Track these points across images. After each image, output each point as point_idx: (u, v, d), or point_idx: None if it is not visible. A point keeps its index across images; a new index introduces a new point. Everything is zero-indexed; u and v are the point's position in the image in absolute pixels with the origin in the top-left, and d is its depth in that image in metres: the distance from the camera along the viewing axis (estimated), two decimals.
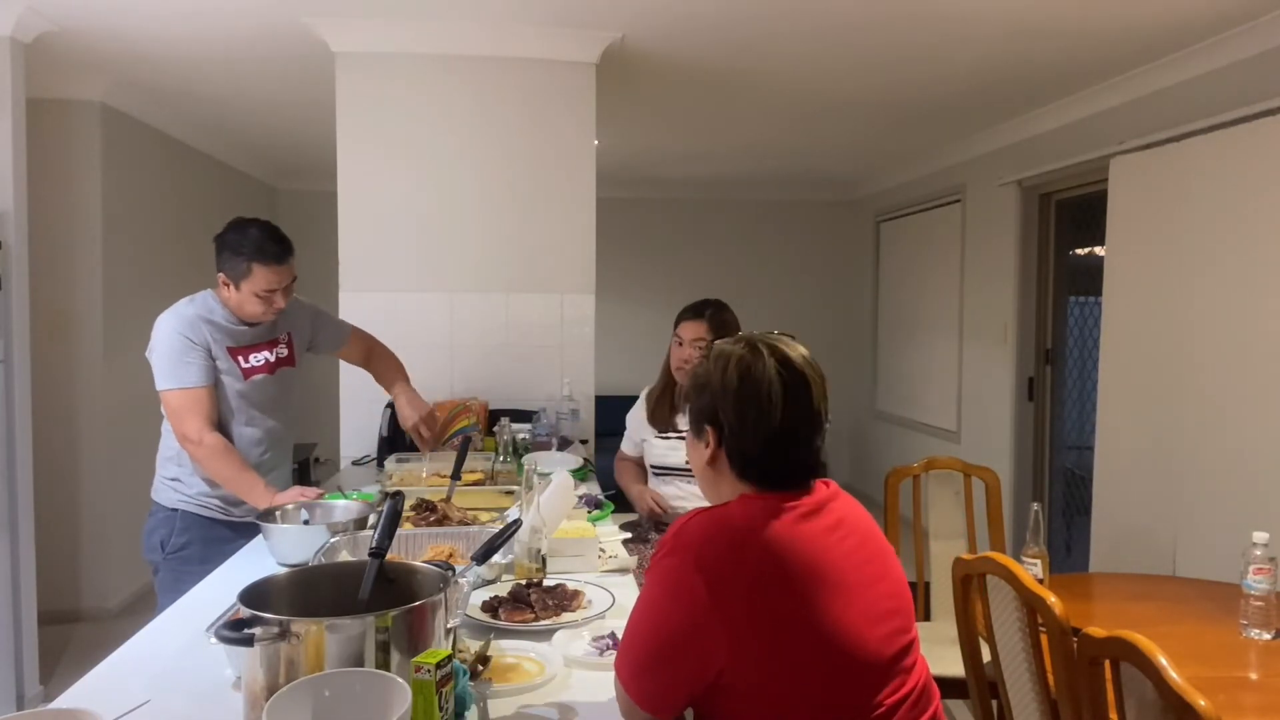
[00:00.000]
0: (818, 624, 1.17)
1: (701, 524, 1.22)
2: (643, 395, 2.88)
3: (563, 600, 1.67)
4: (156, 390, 2.26)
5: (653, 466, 2.80)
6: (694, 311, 2.71)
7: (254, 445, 2.38)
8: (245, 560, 1.99)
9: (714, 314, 2.69)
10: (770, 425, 1.27)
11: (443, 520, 2.11)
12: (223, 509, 2.35)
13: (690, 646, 1.16)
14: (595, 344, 3.63)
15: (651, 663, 1.20)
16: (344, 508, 2.07)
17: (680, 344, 2.69)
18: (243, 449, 2.32)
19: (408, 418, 2.65)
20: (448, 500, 2.30)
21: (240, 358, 2.35)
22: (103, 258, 4.15)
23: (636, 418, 2.87)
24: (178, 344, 2.23)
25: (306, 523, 2.00)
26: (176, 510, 2.34)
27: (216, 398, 2.29)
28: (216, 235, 2.30)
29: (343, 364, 3.43)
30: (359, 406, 3.39)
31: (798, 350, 1.33)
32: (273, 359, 2.42)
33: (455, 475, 2.47)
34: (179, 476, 2.34)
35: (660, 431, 2.77)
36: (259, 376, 2.39)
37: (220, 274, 2.28)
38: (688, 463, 2.64)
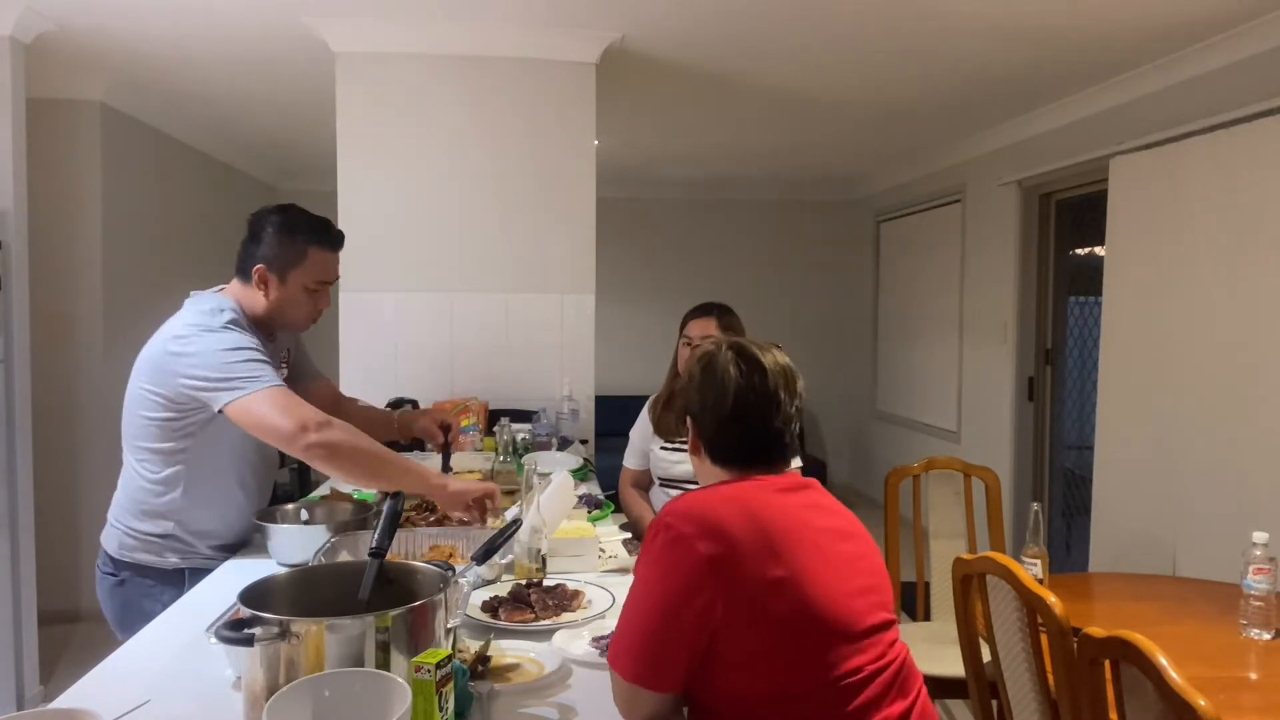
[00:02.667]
0: (800, 583, 1.24)
1: (689, 502, 1.30)
2: (645, 407, 2.85)
3: (563, 600, 1.67)
4: (223, 408, 1.77)
5: (660, 479, 2.77)
6: (702, 310, 2.70)
7: (247, 462, 2.03)
8: (245, 560, 1.98)
9: (721, 313, 2.68)
10: (724, 406, 1.41)
11: (442, 520, 2.11)
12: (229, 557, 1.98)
13: (690, 608, 1.21)
14: (595, 344, 3.63)
15: (653, 635, 1.23)
16: (343, 508, 2.06)
17: (689, 344, 2.65)
18: (239, 461, 1.99)
19: (429, 421, 2.32)
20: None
21: None
22: (103, 258, 4.15)
23: (641, 430, 2.83)
24: (245, 352, 1.80)
25: (306, 523, 2.00)
26: (183, 571, 1.94)
27: None
28: (253, 216, 1.95)
29: (342, 363, 3.44)
30: None
31: (769, 353, 1.46)
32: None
33: (445, 468, 2.39)
34: (173, 533, 1.93)
35: (667, 440, 2.73)
36: None
37: (259, 267, 1.91)
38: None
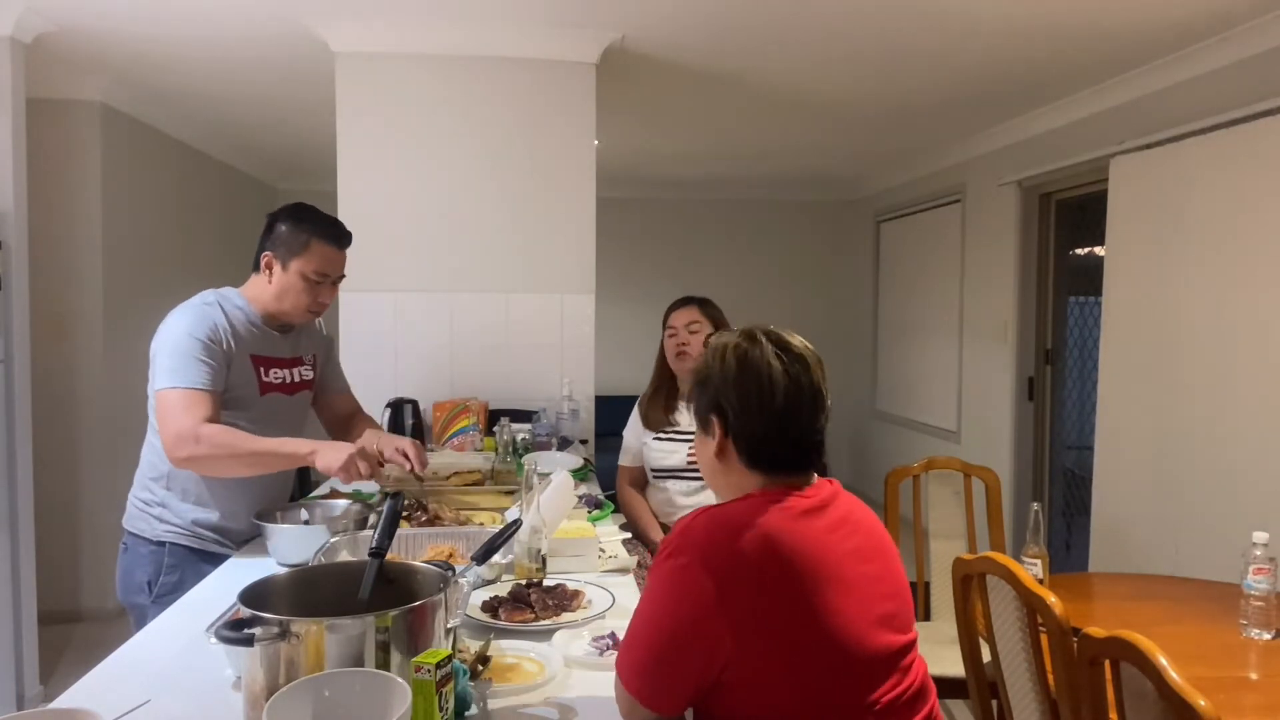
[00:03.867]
0: (819, 620, 1.18)
1: (706, 523, 1.23)
2: (636, 405, 2.89)
3: (563, 600, 1.67)
4: (152, 393, 1.96)
5: (652, 470, 2.80)
6: (682, 301, 2.80)
7: None
8: (245, 560, 1.99)
9: (702, 303, 2.78)
10: (773, 405, 1.29)
11: (433, 521, 2.10)
12: (218, 540, 2.05)
13: (696, 643, 1.17)
14: (595, 344, 3.63)
15: (657, 660, 1.20)
16: (344, 508, 2.06)
17: (674, 333, 2.74)
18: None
19: (384, 444, 2.16)
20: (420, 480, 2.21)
21: (262, 369, 2.08)
22: (103, 258, 4.15)
23: (634, 428, 2.87)
24: (188, 344, 1.92)
25: (306, 523, 2.00)
26: (164, 544, 2.01)
27: (220, 409, 1.95)
28: (271, 213, 2.10)
29: (343, 364, 3.42)
30: None
31: (796, 337, 1.37)
32: (292, 380, 2.17)
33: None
34: (166, 502, 2.02)
35: (657, 432, 2.78)
36: (275, 395, 2.12)
37: (266, 254, 2.05)
38: (689, 462, 2.66)
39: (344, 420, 2.38)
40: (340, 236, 2.12)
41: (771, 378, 1.29)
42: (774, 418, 1.29)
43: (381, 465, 2.08)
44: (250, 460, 1.94)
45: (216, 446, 1.88)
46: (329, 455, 1.96)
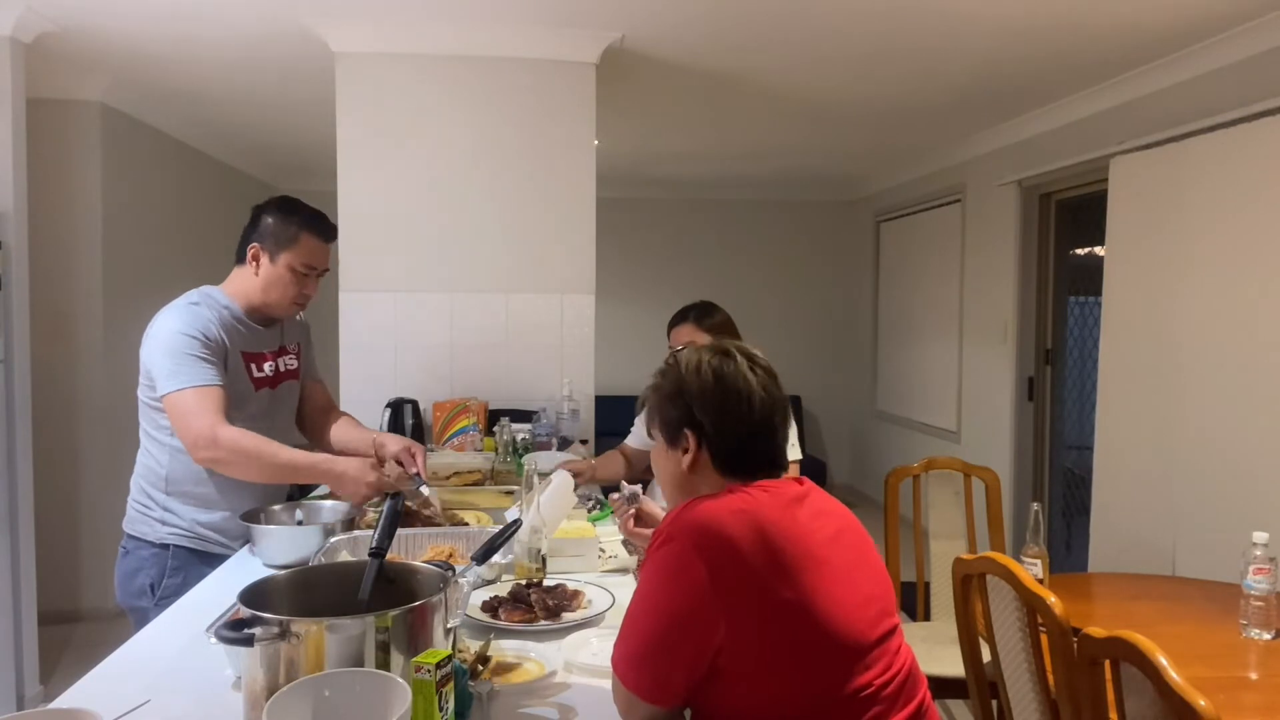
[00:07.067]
0: (809, 604, 1.21)
1: (697, 510, 1.26)
2: None
3: (563, 600, 1.68)
4: (157, 398, 1.94)
5: None
6: (679, 317, 2.76)
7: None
8: (245, 560, 1.98)
9: (698, 314, 2.74)
10: (750, 419, 1.36)
11: (428, 523, 2.10)
12: (221, 542, 2.04)
13: (691, 629, 1.19)
14: (595, 344, 3.63)
15: (653, 650, 1.21)
16: (332, 508, 2.05)
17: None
18: None
19: (391, 445, 2.22)
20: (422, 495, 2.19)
21: (253, 365, 2.09)
22: (103, 258, 4.15)
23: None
24: (185, 343, 1.92)
25: (300, 523, 1.99)
26: (168, 546, 2.00)
27: (228, 404, 1.95)
28: (258, 205, 2.08)
29: (342, 363, 3.44)
30: (358, 406, 3.37)
31: (759, 354, 1.45)
32: (278, 370, 2.17)
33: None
34: (168, 505, 2.01)
35: None
36: (265, 390, 2.13)
37: (253, 245, 2.04)
38: None
39: (319, 413, 2.38)
40: (328, 230, 2.11)
41: (749, 391, 1.36)
42: (750, 431, 1.36)
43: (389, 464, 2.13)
44: (271, 471, 1.97)
45: (235, 453, 1.90)
46: (349, 486, 1.99)
